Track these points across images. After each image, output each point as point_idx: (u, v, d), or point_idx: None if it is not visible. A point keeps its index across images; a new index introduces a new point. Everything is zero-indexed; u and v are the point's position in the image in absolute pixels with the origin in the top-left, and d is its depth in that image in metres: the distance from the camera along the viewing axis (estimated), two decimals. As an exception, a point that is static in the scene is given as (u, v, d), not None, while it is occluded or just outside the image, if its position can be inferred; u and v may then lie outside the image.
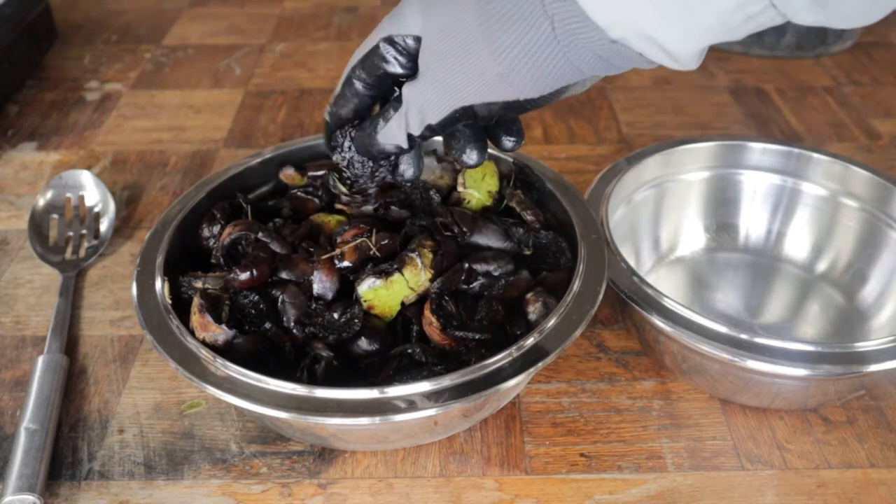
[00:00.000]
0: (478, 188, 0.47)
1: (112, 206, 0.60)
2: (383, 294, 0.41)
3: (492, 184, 0.48)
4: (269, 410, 0.35)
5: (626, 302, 0.43)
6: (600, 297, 0.41)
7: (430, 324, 0.40)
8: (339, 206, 0.47)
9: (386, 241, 0.43)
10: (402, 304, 0.42)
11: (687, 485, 0.41)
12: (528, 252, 0.45)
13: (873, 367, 0.39)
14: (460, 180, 0.47)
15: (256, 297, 0.41)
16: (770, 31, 0.82)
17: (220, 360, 0.37)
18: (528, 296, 0.42)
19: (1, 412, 0.46)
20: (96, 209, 0.60)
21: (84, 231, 0.59)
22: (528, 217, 0.46)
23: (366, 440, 0.42)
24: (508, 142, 0.39)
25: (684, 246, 0.56)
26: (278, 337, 0.41)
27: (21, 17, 0.76)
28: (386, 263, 0.42)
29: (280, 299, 0.41)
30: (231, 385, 0.37)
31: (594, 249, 0.44)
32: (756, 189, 0.56)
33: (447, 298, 0.41)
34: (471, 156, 0.38)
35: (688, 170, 0.56)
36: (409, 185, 0.45)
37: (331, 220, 0.47)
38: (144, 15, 0.96)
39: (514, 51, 0.32)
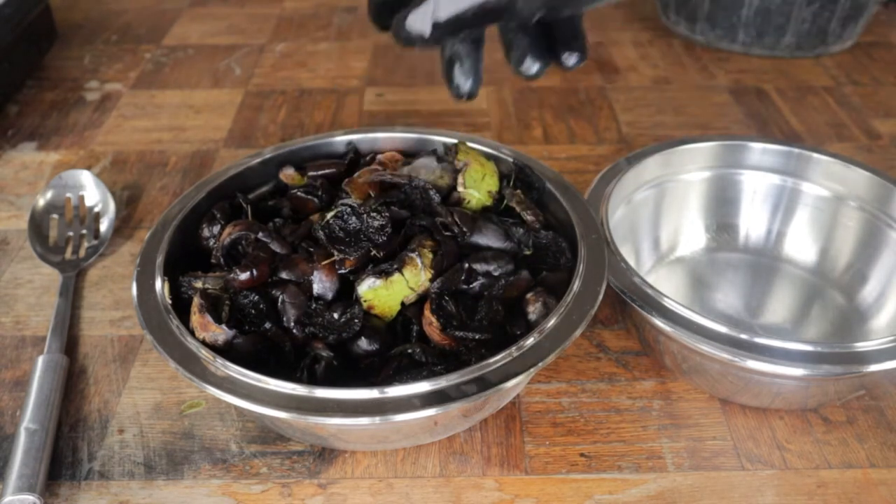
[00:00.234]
0: (478, 188, 0.47)
1: (112, 206, 0.60)
2: (383, 294, 0.41)
3: (492, 184, 0.48)
4: (269, 410, 0.36)
5: (626, 302, 0.43)
6: (600, 297, 0.41)
7: (430, 324, 0.40)
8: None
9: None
10: (402, 304, 0.42)
11: (687, 485, 0.41)
12: (528, 252, 0.45)
13: (873, 367, 0.39)
14: (460, 180, 0.47)
15: (256, 297, 0.41)
16: (770, 31, 0.82)
17: (220, 360, 0.37)
18: (528, 296, 0.42)
19: (1, 412, 0.46)
20: (96, 209, 0.60)
21: (84, 231, 0.59)
22: (528, 217, 0.46)
23: (366, 440, 0.42)
24: (570, 58, 0.35)
25: (684, 246, 0.56)
26: (278, 337, 0.41)
27: (21, 17, 0.76)
28: (386, 263, 0.42)
29: (280, 299, 0.41)
30: (231, 385, 0.37)
31: (594, 249, 0.44)
32: (756, 189, 0.56)
33: (447, 298, 0.41)
34: (530, 66, 0.35)
35: (688, 170, 0.56)
36: (409, 185, 0.45)
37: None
38: (144, 15, 0.96)
39: None
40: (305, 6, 0.98)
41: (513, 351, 0.37)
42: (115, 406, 0.46)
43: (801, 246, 0.56)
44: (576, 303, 0.40)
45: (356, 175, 0.47)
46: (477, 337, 0.39)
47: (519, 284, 0.43)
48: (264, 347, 0.40)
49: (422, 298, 0.42)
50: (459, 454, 0.43)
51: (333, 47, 0.88)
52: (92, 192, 0.61)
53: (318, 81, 0.81)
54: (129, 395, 0.47)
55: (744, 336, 0.41)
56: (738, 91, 0.79)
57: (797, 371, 0.40)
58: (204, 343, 0.39)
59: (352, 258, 0.42)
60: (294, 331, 0.41)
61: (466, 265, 0.42)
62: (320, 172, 0.50)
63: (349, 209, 0.43)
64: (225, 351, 0.39)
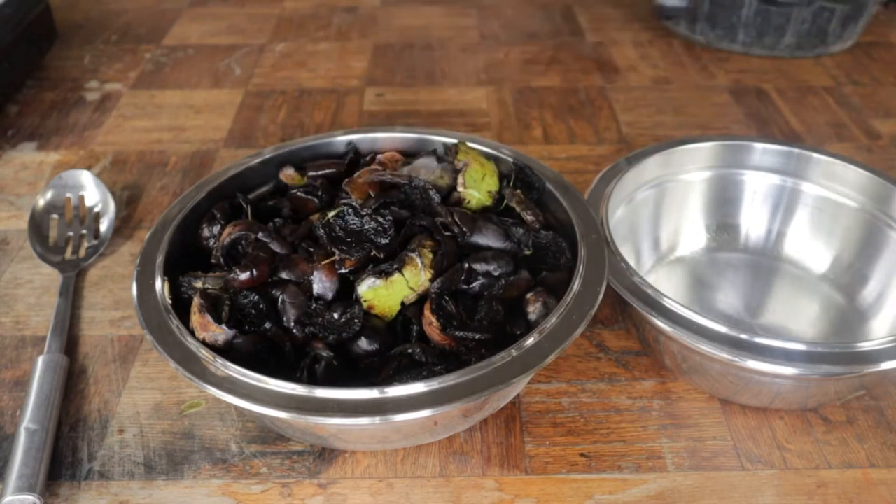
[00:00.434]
0: (478, 188, 0.47)
1: (112, 206, 0.60)
2: (383, 294, 0.41)
3: (492, 184, 0.48)
4: (269, 410, 0.35)
5: (626, 302, 0.43)
6: (600, 297, 0.41)
7: (430, 324, 0.40)
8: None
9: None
10: (402, 304, 0.42)
11: (687, 485, 0.41)
12: (528, 252, 0.45)
13: (873, 368, 0.39)
14: (460, 180, 0.47)
15: (256, 297, 0.41)
16: (770, 32, 0.82)
17: (220, 360, 0.37)
18: (528, 296, 0.42)
19: (1, 412, 0.46)
20: (96, 209, 0.60)
21: (84, 231, 0.59)
22: (528, 217, 0.46)
23: (366, 440, 0.42)
24: None
25: (684, 246, 0.56)
26: (278, 337, 0.41)
27: (21, 17, 0.76)
28: (386, 263, 0.42)
29: (280, 299, 0.41)
30: (231, 385, 0.37)
31: (594, 249, 0.44)
32: (756, 189, 0.56)
33: (447, 298, 0.41)
34: None
35: (688, 170, 0.56)
36: (409, 185, 0.45)
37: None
38: (144, 15, 0.96)
39: None
40: (305, 6, 0.98)
41: (513, 351, 0.37)
42: (115, 406, 0.46)
43: (801, 246, 0.56)
44: (576, 303, 0.40)
45: (356, 175, 0.47)
46: (477, 337, 0.39)
47: (519, 284, 0.43)
48: (264, 347, 0.40)
49: (422, 298, 0.42)
50: (459, 454, 0.43)
51: (333, 47, 0.88)
52: (92, 192, 0.61)
53: (318, 81, 0.81)
54: (129, 395, 0.47)
55: (744, 336, 0.41)
56: (738, 91, 0.79)
57: (797, 371, 0.40)
58: (204, 343, 0.39)
59: (352, 258, 0.42)
60: (294, 331, 0.41)
61: (466, 265, 0.42)
62: (320, 172, 0.50)
63: (350, 209, 0.43)
64: (225, 351, 0.39)
